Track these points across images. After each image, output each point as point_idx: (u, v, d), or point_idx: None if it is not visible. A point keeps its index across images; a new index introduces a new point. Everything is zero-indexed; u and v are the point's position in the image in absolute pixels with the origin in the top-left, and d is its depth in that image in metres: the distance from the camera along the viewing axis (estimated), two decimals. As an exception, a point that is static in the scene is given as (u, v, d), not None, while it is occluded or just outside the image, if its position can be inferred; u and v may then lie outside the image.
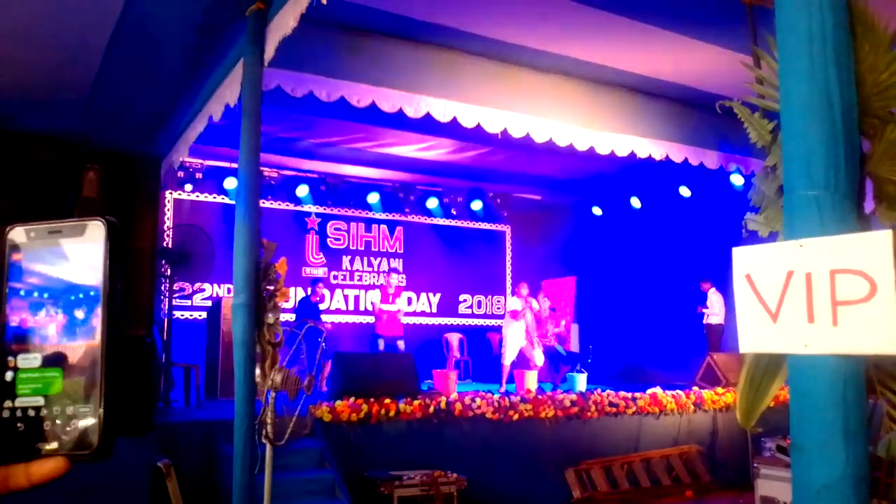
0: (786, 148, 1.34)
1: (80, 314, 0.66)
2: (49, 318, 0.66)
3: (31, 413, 0.65)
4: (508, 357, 9.78)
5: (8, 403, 0.65)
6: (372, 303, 11.33)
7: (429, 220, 13.29)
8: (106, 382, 0.65)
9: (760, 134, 1.52)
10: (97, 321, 0.66)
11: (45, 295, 0.67)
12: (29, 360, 0.66)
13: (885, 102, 1.32)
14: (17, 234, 0.68)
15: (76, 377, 0.65)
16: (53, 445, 0.64)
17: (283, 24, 4.63)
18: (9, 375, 0.66)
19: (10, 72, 6.08)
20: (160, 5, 5.25)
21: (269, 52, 4.81)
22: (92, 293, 0.66)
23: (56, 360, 0.66)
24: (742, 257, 1.35)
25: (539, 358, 9.89)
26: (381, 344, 10.60)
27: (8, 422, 0.65)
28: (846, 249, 1.21)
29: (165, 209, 10.76)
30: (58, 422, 0.65)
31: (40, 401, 0.65)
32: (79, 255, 0.67)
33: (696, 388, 8.84)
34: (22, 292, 0.67)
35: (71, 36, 5.49)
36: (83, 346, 0.66)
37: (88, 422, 0.64)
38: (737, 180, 10.12)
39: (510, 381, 9.52)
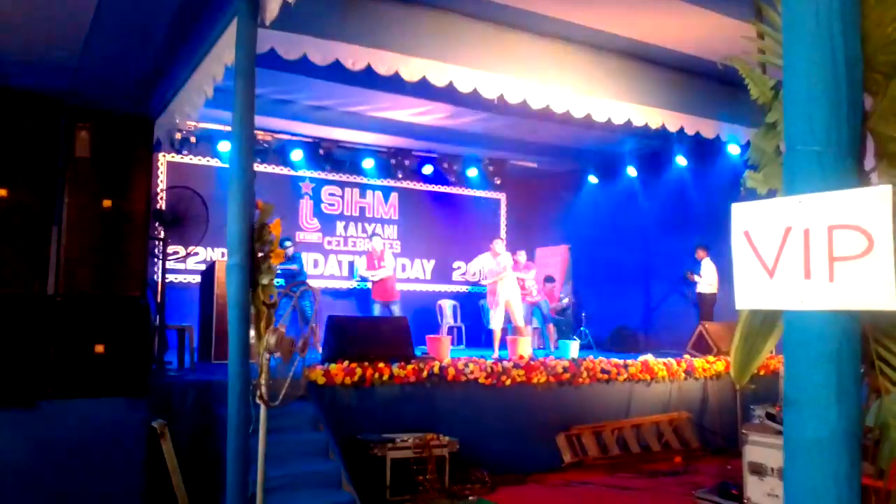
0: (787, 103, 1.32)
1: None
2: None
3: None
4: (496, 320, 9.80)
5: None
6: (359, 271, 11.36)
7: (424, 187, 13.25)
8: None
9: (761, 90, 1.50)
10: None
11: None
12: None
13: (890, 57, 1.29)
14: None
15: None
16: None
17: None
18: None
19: (1, 28, 5.96)
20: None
21: (273, 11, 4.71)
22: None
23: None
24: (741, 214, 1.34)
25: (520, 319, 9.92)
26: (377, 309, 10.65)
27: None
28: (845, 205, 1.20)
29: (159, 171, 10.67)
30: None
31: None
32: None
33: (687, 356, 8.92)
34: None
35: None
36: None
37: None
38: (733, 149, 10.10)
39: (503, 347, 9.56)
